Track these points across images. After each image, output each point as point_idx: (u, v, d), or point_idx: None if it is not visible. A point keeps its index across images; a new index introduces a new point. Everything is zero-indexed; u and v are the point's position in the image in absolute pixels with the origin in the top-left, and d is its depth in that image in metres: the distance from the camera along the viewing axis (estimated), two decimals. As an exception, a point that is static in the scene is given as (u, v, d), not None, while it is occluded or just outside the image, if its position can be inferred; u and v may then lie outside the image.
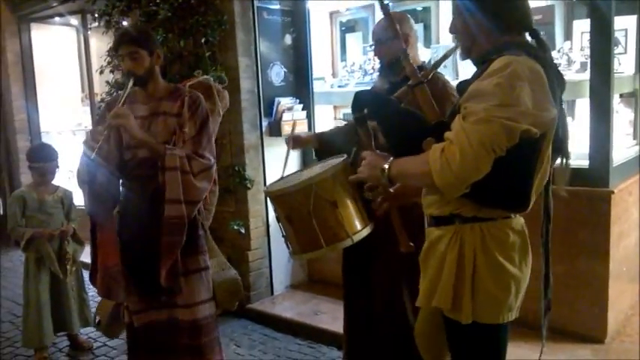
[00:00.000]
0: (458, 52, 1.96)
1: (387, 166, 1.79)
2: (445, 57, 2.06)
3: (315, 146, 3.10)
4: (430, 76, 2.65)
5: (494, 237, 1.76)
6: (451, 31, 1.94)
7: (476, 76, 1.73)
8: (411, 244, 2.10)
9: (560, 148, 1.80)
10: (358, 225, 2.52)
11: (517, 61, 1.62)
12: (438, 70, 3.77)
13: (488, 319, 1.80)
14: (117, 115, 2.54)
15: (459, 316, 1.78)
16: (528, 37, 1.84)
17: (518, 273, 1.79)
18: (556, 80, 1.74)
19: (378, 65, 2.85)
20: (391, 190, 2.11)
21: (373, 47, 2.78)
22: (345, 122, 3.28)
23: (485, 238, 1.75)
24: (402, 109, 1.96)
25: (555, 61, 1.90)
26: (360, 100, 2.02)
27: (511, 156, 1.57)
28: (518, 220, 1.82)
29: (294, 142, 3.04)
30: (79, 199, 3.63)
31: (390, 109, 1.94)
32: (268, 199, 2.83)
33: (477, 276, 1.75)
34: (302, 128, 4.57)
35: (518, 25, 1.80)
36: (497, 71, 1.61)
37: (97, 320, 3.31)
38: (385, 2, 4.71)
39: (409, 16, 2.76)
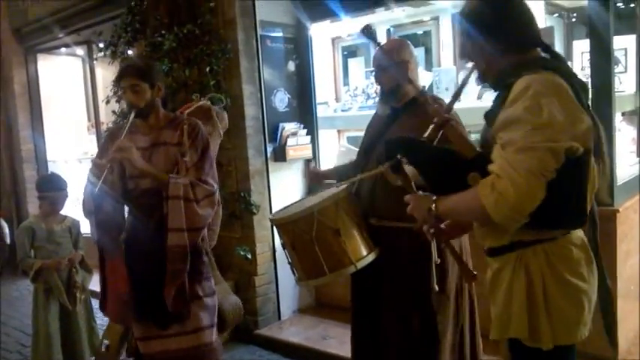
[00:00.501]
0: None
1: (433, 206, 1.79)
2: (463, 85, 2.03)
3: (334, 179, 3.09)
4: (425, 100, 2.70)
5: (558, 256, 1.72)
6: (461, 56, 1.95)
7: (499, 102, 1.71)
8: (475, 272, 2.05)
9: (596, 151, 1.76)
10: (363, 251, 2.54)
11: (536, 79, 1.61)
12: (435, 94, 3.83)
13: (566, 340, 1.75)
14: (120, 149, 2.58)
15: (539, 342, 1.73)
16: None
17: (587, 287, 1.75)
18: (579, 87, 1.71)
19: (380, 89, 2.86)
20: (442, 226, 2.06)
21: (374, 74, 2.80)
22: (349, 147, 3.33)
23: (550, 258, 1.72)
24: (436, 149, 1.94)
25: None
26: (392, 147, 2.01)
27: (562, 175, 1.55)
28: (577, 234, 1.79)
29: (313, 177, 3.04)
30: (86, 227, 3.68)
31: (424, 151, 1.93)
32: (274, 227, 2.85)
33: (549, 298, 1.71)
34: (306, 153, 4.62)
35: (529, 42, 1.80)
36: (520, 95, 1.60)
37: (104, 346, 3.29)
38: (387, 27, 4.79)
39: (409, 42, 2.80)
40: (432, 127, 1.99)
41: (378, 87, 2.83)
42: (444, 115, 1.98)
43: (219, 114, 3.12)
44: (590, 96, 1.81)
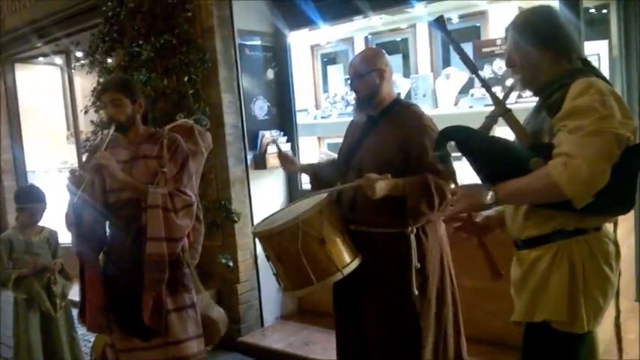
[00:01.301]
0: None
1: (492, 191, 1.87)
2: (511, 90, 2.15)
3: (310, 175, 3.12)
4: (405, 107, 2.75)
5: (599, 248, 1.89)
6: (508, 65, 2.06)
7: (554, 101, 1.85)
8: (502, 272, 2.13)
9: None
10: (347, 258, 2.56)
11: (596, 81, 1.81)
12: (415, 102, 3.89)
13: (593, 326, 1.91)
14: (99, 160, 2.61)
15: (574, 327, 1.87)
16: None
17: (615, 280, 1.93)
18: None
19: (355, 97, 2.89)
20: (477, 220, 2.19)
21: (350, 82, 2.84)
22: (330, 154, 3.34)
23: (592, 249, 1.87)
24: (494, 138, 2.05)
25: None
26: (447, 136, 2.06)
27: (621, 163, 1.72)
28: (610, 230, 1.97)
29: (282, 159, 3.05)
30: (64, 237, 3.66)
31: (482, 140, 2.01)
32: (256, 239, 2.85)
33: (587, 286, 1.86)
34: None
35: (574, 53, 1.95)
36: (584, 91, 1.77)
37: (93, 358, 3.27)
38: (365, 35, 4.83)
39: (384, 51, 2.84)
40: (487, 118, 2.08)
41: (354, 95, 2.86)
42: (505, 106, 2.06)
43: (202, 133, 3.13)
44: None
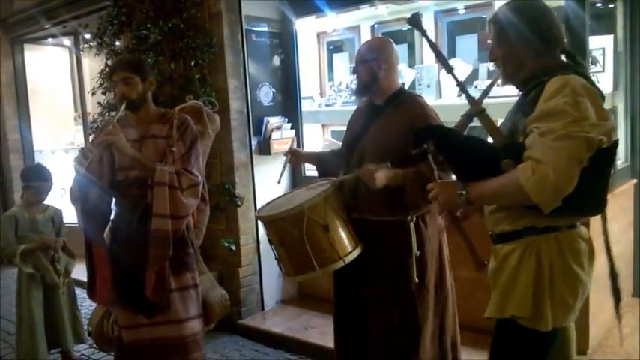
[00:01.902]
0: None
1: (464, 192, 1.89)
2: (492, 84, 2.16)
3: (315, 165, 3.16)
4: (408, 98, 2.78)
5: (568, 246, 1.88)
6: (490, 59, 2.05)
7: (529, 99, 1.84)
8: (485, 262, 2.13)
9: None
10: (349, 247, 2.61)
11: (571, 79, 1.78)
12: (419, 92, 3.91)
13: (559, 323, 1.92)
14: (108, 134, 2.66)
15: (539, 324, 1.88)
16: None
17: (586, 279, 1.92)
18: (598, 92, 1.86)
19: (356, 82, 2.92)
20: (457, 214, 2.21)
21: (354, 66, 2.87)
22: (333, 141, 3.38)
23: (561, 247, 1.87)
24: (468, 137, 2.06)
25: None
26: (423, 135, 2.07)
27: (591, 165, 1.72)
28: (584, 229, 1.96)
29: (293, 155, 3.09)
30: (69, 216, 3.72)
31: (457, 139, 2.02)
32: (260, 223, 2.89)
33: (554, 282, 1.86)
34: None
35: (557, 47, 1.94)
36: (558, 90, 1.75)
37: (89, 330, 3.30)
38: (372, 24, 4.85)
39: (392, 42, 2.87)
40: (463, 116, 2.10)
41: (355, 79, 2.88)
42: (480, 106, 2.07)
43: (210, 116, 3.16)
44: (605, 101, 1.94)
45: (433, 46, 2.26)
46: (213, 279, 3.24)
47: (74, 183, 2.80)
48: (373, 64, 2.74)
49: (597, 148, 1.72)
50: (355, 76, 2.87)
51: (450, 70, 2.18)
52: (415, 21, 2.36)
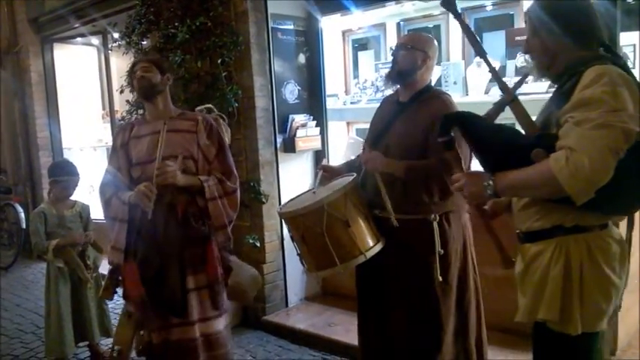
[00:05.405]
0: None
1: (491, 182, 1.82)
2: (525, 77, 2.09)
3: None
4: (432, 93, 2.77)
5: (599, 247, 1.80)
6: (525, 51, 2.00)
7: (565, 91, 1.78)
8: (513, 259, 2.06)
9: None
10: (370, 242, 2.61)
11: (609, 69, 1.71)
12: (445, 89, 3.87)
13: (592, 328, 1.84)
14: (161, 173, 2.70)
15: (568, 327, 1.81)
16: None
17: (618, 282, 1.84)
18: (636, 85, 1.79)
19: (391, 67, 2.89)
20: (485, 207, 2.14)
21: (394, 51, 2.85)
22: (358, 139, 3.37)
23: (591, 249, 1.79)
24: (498, 126, 1.97)
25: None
26: (450, 121, 2.01)
27: (627, 158, 1.65)
28: (617, 230, 1.87)
29: (326, 170, 3.05)
30: (96, 212, 3.77)
31: (486, 127, 1.95)
32: (282, 219, 2.91)
33: (584, 286, 1.79)
34: (316, 144, 4.69)
35: (595, 39, 1.87)
36: (595, 80, 1.68)
37: (115, 352, 3.14)
38: (398, 21, 4.81)
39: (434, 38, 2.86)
40: (494, 105, 2.03)
41: (391, 65, 2.86)
42: (512, 94, 2.01)
43: (224, 125, 3.21)
44: None
45: (467, 29, 2.22)
46: (239, 261, 3.26)
47: (103, 181, 2.90)
48: (418, 55, 2.74)
49: (635, 141, 1.65)
50: (392, 59, 2.84)
51: (483, 54, 2.13)
52: (449, 2, 2.27)
